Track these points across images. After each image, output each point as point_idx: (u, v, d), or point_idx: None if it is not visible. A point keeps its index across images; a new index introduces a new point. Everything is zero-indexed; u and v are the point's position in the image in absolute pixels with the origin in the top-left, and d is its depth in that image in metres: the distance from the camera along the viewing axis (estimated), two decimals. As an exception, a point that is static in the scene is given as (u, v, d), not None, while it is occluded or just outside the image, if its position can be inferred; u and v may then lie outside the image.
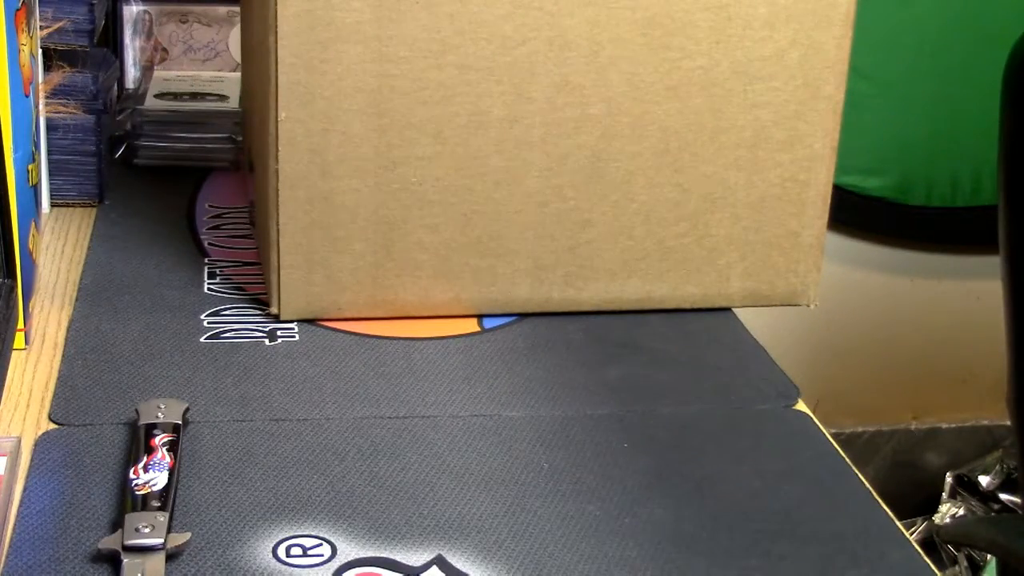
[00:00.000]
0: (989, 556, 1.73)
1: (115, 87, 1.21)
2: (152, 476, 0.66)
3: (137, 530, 0.62)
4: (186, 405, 0.74)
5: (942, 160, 1.77)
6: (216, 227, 1.03)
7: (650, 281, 0.91)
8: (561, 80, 0.85)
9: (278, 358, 0.83)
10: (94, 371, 0.80)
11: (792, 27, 0.87)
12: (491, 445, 0.75)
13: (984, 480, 1.86)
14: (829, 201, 0.93)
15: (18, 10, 0.82)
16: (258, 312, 0.89)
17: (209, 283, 0.93)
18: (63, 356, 0.82)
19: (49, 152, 1.04)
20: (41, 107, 0.99)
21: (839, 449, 0.77)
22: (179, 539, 0.63)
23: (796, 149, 0.90)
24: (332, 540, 0.65)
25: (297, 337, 0.86)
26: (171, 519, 0.64)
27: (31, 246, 0.85)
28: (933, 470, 1.96)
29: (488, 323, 0.90)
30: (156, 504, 0.64)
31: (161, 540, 0.62)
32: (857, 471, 0.75)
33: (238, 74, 1.25)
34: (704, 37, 0.86)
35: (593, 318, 0.91)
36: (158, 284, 0.92)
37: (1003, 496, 1.84)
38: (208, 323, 0.87)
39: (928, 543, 1.81)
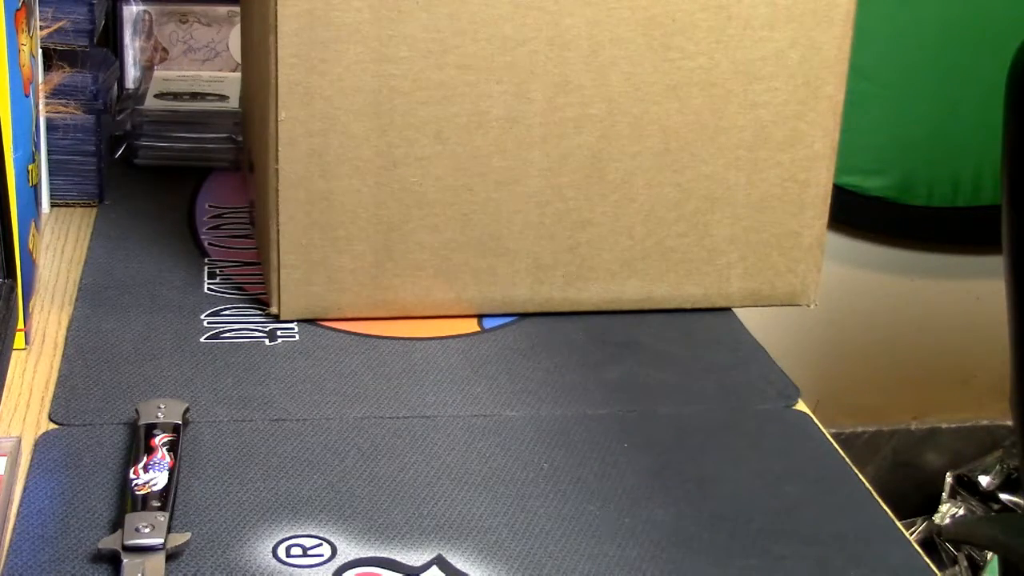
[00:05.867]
0: (990, 556, 1.73)
1: (115, 87, 1.21)
2: (152, 476, 0.66)
3: (137, 530, 0.62)
4: (186, 405, 0.74)
5: (943, 160, 1.77)
6: (216, 227, 1.03)
7: (650, 281, 0.91)
8: (561, 80, 0.85)
9: (278, 358, 0.83)
10: (94, 371, 0.80)
11: (792, 27, 0.87)
12: (491, 445, 0.75)
13: (984, 480, 1.86)
14: (829, 201, 0.93)
15: (18, 10, 0.82)
16: (258, 312, 0.89)
17: (209, 283, 0.93)
18: (63, 356, 0.82)
19: (49, 152, 1.04)
20: (41, 107, 0.99)
21: (839, 449, 0.77)
22: (179, 539, 0.63)
23: (796, 149, 0.90)
24: (332, 540, 0.65)
25: (297, 337, 0.86)
26: (171, 519, 0.64)
27: (31, 246, 0.85)
28: (933, 470, 1.96)
29: (488, 323, 0.90)
30: (156, 504, 0.64)
31: (161, 540, 0.62)
32: (857, 471, 0.75)
33: (238, 74, 1.25)
34: (704, 37, 0.86)
35: (593, 318, 0.91)
36: (158, 284, 0.92)
37: (1003, 496, 1.84)
38: (208, 323, 0.87)
39: (928, 543, 1.81)
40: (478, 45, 0.83)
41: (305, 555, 0.64)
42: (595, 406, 0.80)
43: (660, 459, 0.74)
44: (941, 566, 1.77)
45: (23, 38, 0.84)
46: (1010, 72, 1.11)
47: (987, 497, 1.85)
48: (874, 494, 0.72)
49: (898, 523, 0.70)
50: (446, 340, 0.87)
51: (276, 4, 0.80)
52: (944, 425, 1.98)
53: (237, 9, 1.27)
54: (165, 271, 0.95)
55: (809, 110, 0.89)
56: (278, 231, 0.85)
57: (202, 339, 0.85)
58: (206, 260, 0.97)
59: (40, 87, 0.98)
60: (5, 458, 0.68)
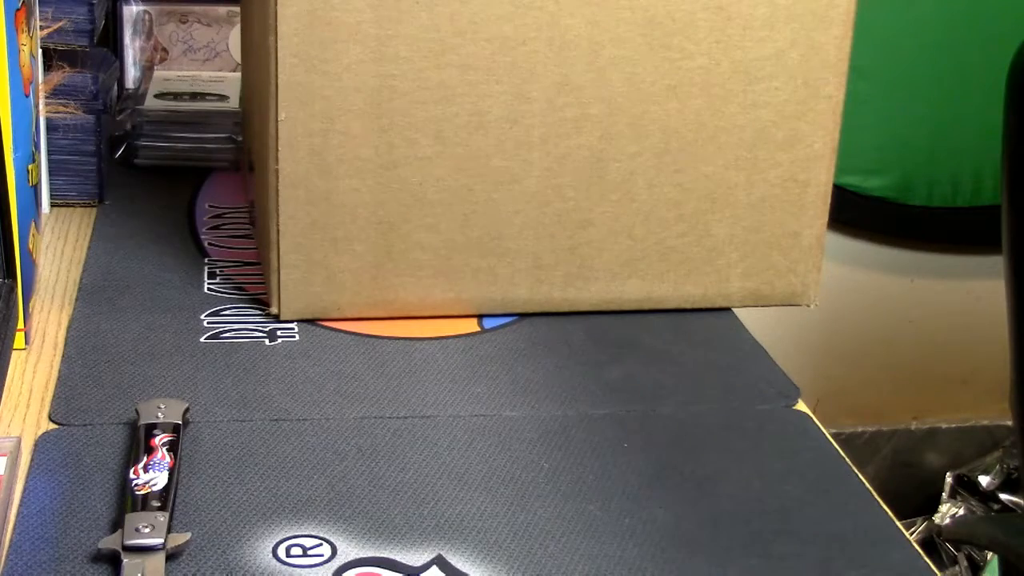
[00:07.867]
0: (990, 556, 1.73)
1: (115, 87, 1.21)
2: (152, 476, 0.66)
3: (137, 530, 0.62)
4: (186, 405, 0.74)
5: (943, 160, 1.77)
6: (216, 227, 1.03)
7: (650, 281, 0.91)
8: (561, 80, 0.85)
9: (278, 358, 0.83)
10: (94, 371, 0.80)
11: (792, 27, 0.87)
12: (491, 445, 0.75)
13: (984, 480, 1.86)
14: (829, 201, 0.93)
15: (18, 10, 0.82)
16: (258, 312, 0.89)
17: (209, 283, 0.93)
18: (63, 356, 0.82)
19: (49, 152, 1.04)
20: (41, 107, 0.99)
21: (839, 449, 0.77)
22: (179, 539, 0.63)
23: (796, 149, 0.90)
24: (332, 540, 0.65)
25: (297, 337, 0.86)
26: (171, 519, 0.64)
27: (31, 246, 0.85)
28: (933, 470, 1.96)
29: (488, 323, 0.90)
30: (156, 504, 0.64)
31: (161, 540, 0.62)
32: (857, 471, 0.75)
33: (238, 74, 1.25)
34: (704, 37, 0.86)
35: (593, 318, 0.91)
36: (158, 284, 0.92)
37: (1003, 496, 1.84)
38: (208, 323, 0.87)
39: (928, 543, 1.81)
40: (478, 45, 0.83)
41: (305, 555, 0.64)
42: (595, 406, 0.80)
43: (660, 459, 0.74)
44: (941, 566, 1.77)
45: (23, 38, 0.84)
46: (1010, 72, 1.11)
47: (987, 497, 1.85)
48: (874, 494, 0.72)
49: (898, 523, 0.70)
50: (446, 340, 0.87)
51: (276, 4, 0.80)
52: (944, 425, 1.98)
53: (237, 9, 1.27)
54: (165, 271, 0.95)
55: (809, 110, 0.89)
56: (278, 231, 0.85)
57: (202, 339, 0.85)
58: (206, 260, 0.97)
59: (40, 87, 0.98)
60: (5, 458, 0.68)
